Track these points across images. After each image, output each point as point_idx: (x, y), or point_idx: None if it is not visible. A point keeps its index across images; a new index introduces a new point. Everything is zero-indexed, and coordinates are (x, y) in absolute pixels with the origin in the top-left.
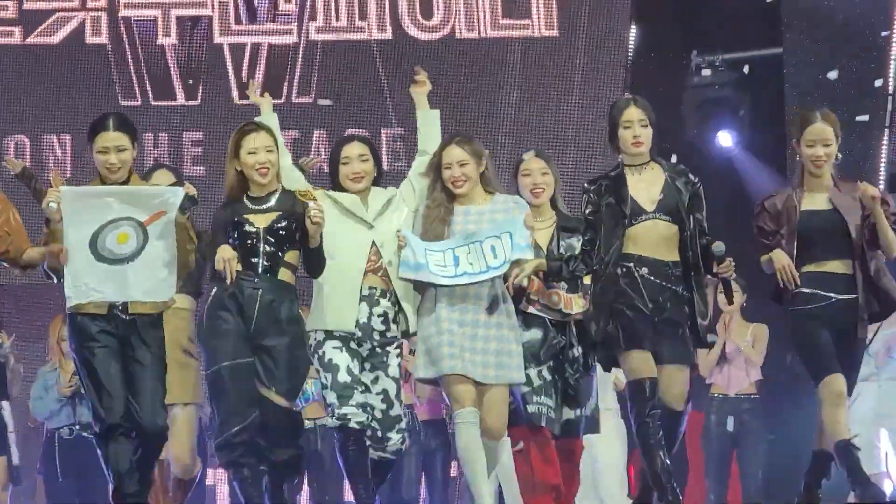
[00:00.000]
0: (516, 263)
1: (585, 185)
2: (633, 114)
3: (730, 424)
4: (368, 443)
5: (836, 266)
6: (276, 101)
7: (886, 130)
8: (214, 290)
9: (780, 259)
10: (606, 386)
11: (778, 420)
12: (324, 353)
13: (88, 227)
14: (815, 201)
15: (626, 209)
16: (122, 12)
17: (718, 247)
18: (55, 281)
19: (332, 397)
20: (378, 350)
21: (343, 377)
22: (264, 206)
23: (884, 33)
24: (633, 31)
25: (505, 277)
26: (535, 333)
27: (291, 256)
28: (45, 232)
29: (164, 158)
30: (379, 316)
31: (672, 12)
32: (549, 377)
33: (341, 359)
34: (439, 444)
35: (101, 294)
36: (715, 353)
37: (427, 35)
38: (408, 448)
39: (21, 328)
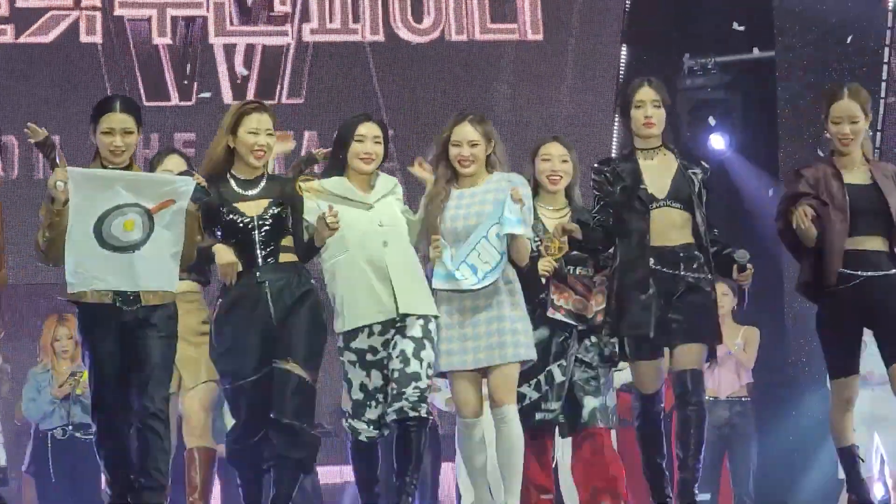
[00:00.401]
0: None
1: (597, 165)
2: (647, 94)
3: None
4: (388, 409)
5: (873, 243)
6: (269, 102)
7: (879, 134)
8: (220, 300)
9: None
10: None
11: (769, 422)
12: (343, 362)
13: (94, 211)
14: (852, 176)
15: (643, 197)
16: (117, 11)
17: (742, 255)
18: (51, 265)
19: (347, 405)
20: (399, 322)
21: (356, 395)
22: (252, 193)
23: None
24: (626, 34)
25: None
26: (542, 332)
27: (287, 240)
28: (44, 212)
29: None
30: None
31: (665, 15)
32: (560, 377)
33: (355, 375)
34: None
35: (103, 282)
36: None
37: (418, 38)
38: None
39: (11, 328)
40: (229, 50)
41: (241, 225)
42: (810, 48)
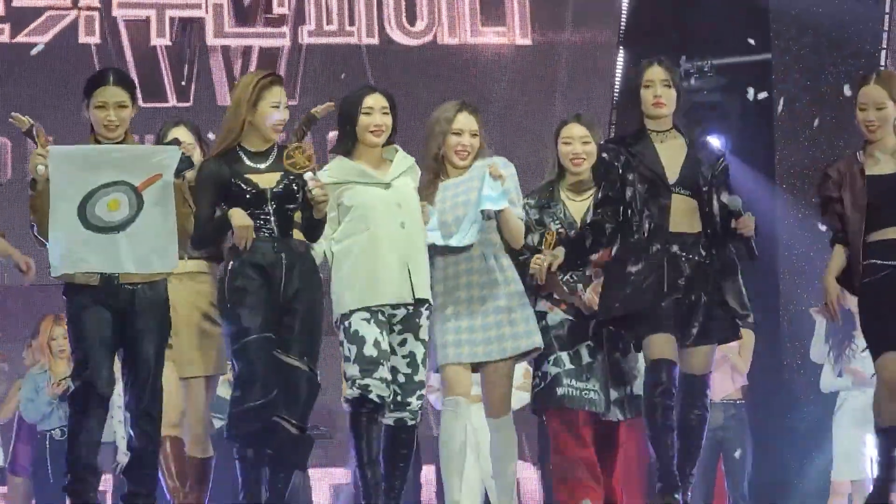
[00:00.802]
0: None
1: (603, 143)
2: (656, 73)
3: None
4: (387, 409)
5: None
6: None
7: None
8: (231, 262)
9: (829, 291)
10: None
11: (763, 425)
12: (350, 324)
13: (77, 192)
14: (879, 165)
15: (662, 181)
16: (116, 12)
17: (734, 201)
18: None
19: (353, 370)
20: (411, 312)
21: (370, 351)
22: (264, 166)
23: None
24: (622, 36)
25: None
26: (557, 315)
27: (297, 216)
28: (31, 194)
29: None
30: None
31: (661, 18)
32: (588, 358)
33: (369, 331)
34: None
35: (88, 264)
36: None
37: (412, 41)
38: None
39: (8, 329)
40: (226, 52)
41: (253, 197)
42: (807, 51)
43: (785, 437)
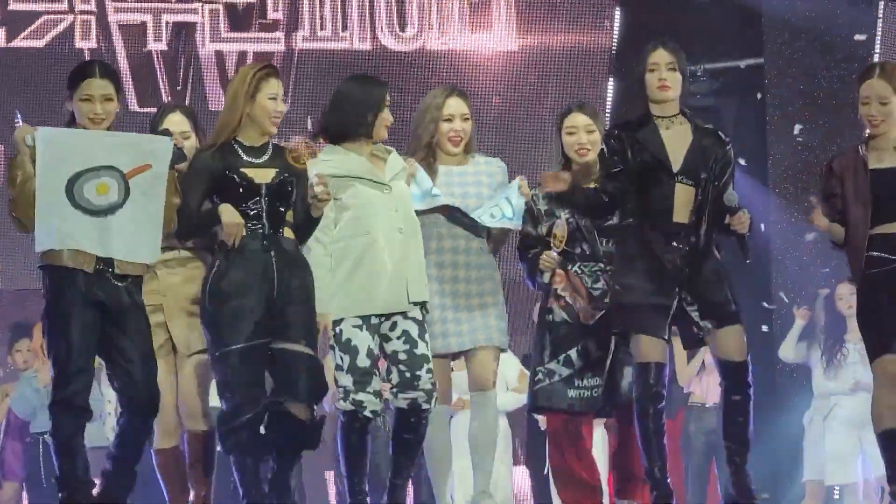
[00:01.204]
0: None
1: (608, 130)
2: (661, 56)
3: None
4: (396, 391)
5: None
6: None
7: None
8: (218, 261)
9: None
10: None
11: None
12: (341, 331)
13: (65, 170)
14: (882, 159)
15: (669, 169)
16: (112, 17)
17: (731, 197)
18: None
19: (346, 380)
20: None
21: (363, 362)
22: (259, 161)
23: (859, 37)
24: (615, 40)
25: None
26: (562, 312)
27: (289, 215)
28: (11, 175)
29: None
30: None
31: (653, 22)
32: (596, 352)
33: (361, 340)
34: None
35: (76, 242)
36: (695, 364)
37: (403, 47)
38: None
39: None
40: (220, 56)
41: (246, 191)
42: (799, 55)
43: (778, 440)
